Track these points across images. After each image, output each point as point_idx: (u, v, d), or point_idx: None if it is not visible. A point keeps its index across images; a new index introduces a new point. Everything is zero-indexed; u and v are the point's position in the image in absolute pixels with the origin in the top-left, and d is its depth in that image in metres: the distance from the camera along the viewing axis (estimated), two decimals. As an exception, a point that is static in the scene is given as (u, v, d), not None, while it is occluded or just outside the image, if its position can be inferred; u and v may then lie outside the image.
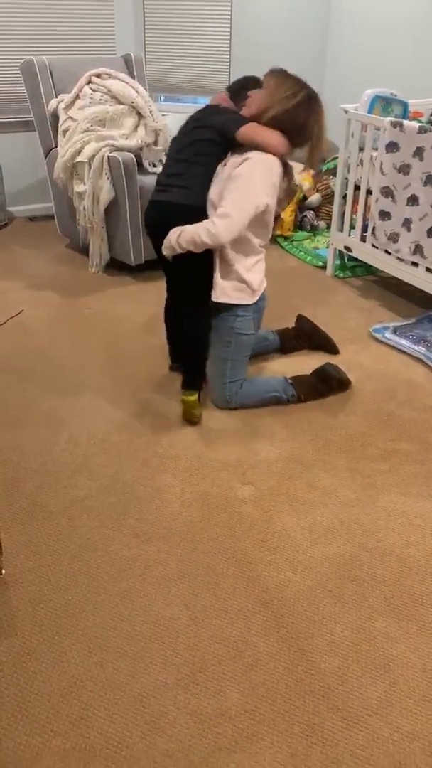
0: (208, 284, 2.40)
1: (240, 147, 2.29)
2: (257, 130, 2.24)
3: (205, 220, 2.26)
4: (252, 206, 2.23)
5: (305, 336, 2.98)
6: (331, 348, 2.97)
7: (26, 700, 1.55)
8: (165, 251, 2.34)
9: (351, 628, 1.74)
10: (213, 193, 2.32)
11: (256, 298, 2.46)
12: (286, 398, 2.61)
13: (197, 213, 2.30)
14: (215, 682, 1.60)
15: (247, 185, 2.22)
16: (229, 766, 1.43)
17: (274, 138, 2.23)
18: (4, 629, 1.72)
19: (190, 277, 2.43)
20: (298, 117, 2.24)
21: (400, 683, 1.60)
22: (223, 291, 2.40)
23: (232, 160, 2.30)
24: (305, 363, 2.86)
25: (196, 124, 2.37)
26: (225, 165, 2.33)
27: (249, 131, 2.24)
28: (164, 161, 2.51)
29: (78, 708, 1.54)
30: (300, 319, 3.01)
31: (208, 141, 2.31)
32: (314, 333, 2.97)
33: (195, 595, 1.82)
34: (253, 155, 2.24)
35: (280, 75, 2.28)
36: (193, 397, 2.49)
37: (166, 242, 2.32)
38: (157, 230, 2.40)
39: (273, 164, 2.27)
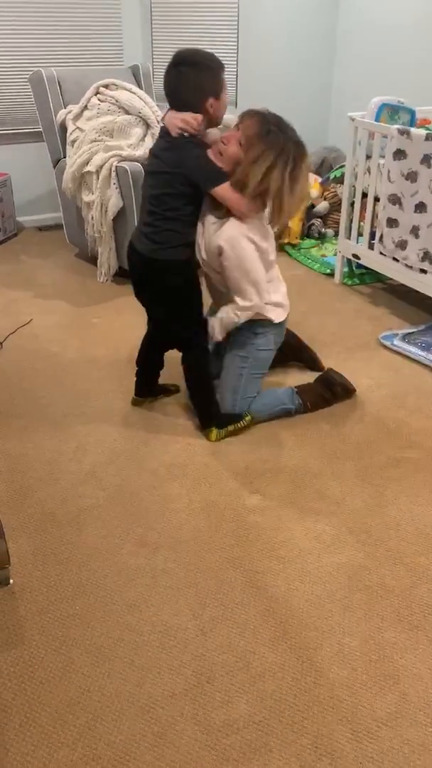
0: (197, 306, 2.38)
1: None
2: (231, 198, 2.15)
3: (229, 311, 2.32)
4: (256, 273, 2.25)
5: (290, 351, 2.86)
6: (313, 364, 2.89)
7: (33, 710, 1.55)
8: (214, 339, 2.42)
9: (360, 638, 1.72)
10: (203, 241, 2.30)
11: (282, 317, 2.44)
12: (294, 409, 2.59)
13: (174, 266, 2.29)
14: (223, 693, 1.59)
15: (241, 265, 2.22)
16: (237, 779, 1.42)
17: (244, 208, 2.16)
18: (12, 639, 1.71)
19: (176, 307, 2.38)
20: (271, 185, 2.11)
21: (410, 694, 1.59)
22: None
23: (211, 220, 2.26)
24: (308, 377, 2.85)
25: (167, 167, 2.18)
26: (203, 221, 2.29)
27: (222, 195, 2.16)
28: (142, 191, 2.36)
29: (85, 719, 1.53)
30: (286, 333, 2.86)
31: (176, 196, 2.19)
32: (299, 349, 2.89)
33: (202, 605, 1.81)
34: (228, 227, 2.20)
35: (255, 128, 2.09)
36: (214, 432, 2.45)
37: (212, 336, 2.41)
38: (138, 279, 2.42)
39: (245, 226, 2.21)
